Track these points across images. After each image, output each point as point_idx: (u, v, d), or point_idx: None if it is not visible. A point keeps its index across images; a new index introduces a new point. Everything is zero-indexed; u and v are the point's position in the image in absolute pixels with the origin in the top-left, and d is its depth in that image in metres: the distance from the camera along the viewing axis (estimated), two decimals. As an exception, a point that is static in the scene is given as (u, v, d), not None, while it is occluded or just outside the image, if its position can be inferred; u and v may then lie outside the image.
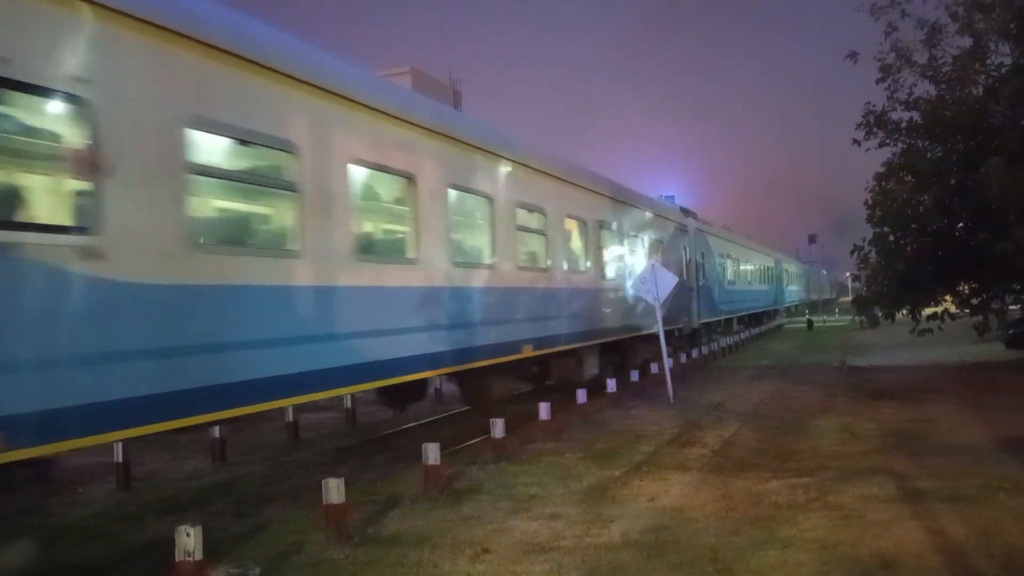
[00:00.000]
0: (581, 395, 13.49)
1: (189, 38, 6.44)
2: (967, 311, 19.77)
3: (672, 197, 27.07)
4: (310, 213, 7.68)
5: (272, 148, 7.38)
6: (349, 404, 15.03)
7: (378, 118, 8.88)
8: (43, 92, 5.41)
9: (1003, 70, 17.60)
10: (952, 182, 18.15)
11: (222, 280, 6.71)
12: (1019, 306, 22.67)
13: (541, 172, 13.34)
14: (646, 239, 19.25)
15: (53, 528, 7.98)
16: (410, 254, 9.49)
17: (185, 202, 6.35)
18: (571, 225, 14.76)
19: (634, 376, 16.80)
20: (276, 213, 8.09)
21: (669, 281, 15.70)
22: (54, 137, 5.80)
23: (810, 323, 45.86)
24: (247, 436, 13.24)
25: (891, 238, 19.21)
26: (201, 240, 6.68)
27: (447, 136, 10.29)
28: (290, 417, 13.45)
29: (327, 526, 6.99)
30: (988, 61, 18.10)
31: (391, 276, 9.11)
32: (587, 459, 10.12)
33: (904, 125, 19.20)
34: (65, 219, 5.74)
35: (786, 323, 50.59)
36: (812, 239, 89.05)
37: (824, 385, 17.32)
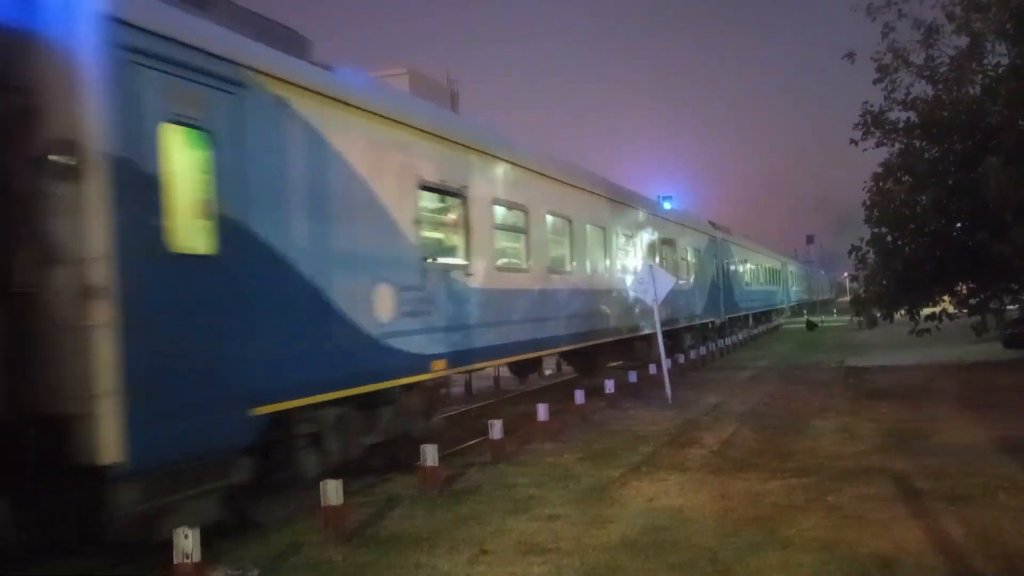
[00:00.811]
0: (579, 396, 13.48)
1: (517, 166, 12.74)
2: (965, 311, 19.80)
3: (670, 198, 27.07)
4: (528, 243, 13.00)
5: (515, 209, 12.55)
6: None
7: (514, 168, 12.56)
8: (457, 194, 10.62)
9: (1000, 70, 17.64)
10: (950, 182, 18.18)
11: (507, 286, 12.04)
12: (1017, 306, 22.71)
13: (630, 206, 18.94)
14: (692, 249, 25.23)
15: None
16: (524, 264, 12.97)
17: (494, 244, 11.71)
18: (651, 244, 20.28)
19: (632, 377, 16.79)
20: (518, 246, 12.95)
21: (667, 282, 15.69)
22: (456, 214, 10.74)
23: (810, 324, 43.75)
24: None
25: (889, 238, 19.24)
26: (499, 264, 11.87)
27: (550, 176, 14.04)
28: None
29: (326, 527, 6.98)
30: (985, 61, 18.17)
31: (549, 280, 13.83)
32: (586, 460, 10.11)
33: (901, 125, 19.24)
34: (459, 256, 10.64)
35: (784, 324, 50.57)
36: (810, 239, 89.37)
37: (823, 385, 17.32)
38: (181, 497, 6.06)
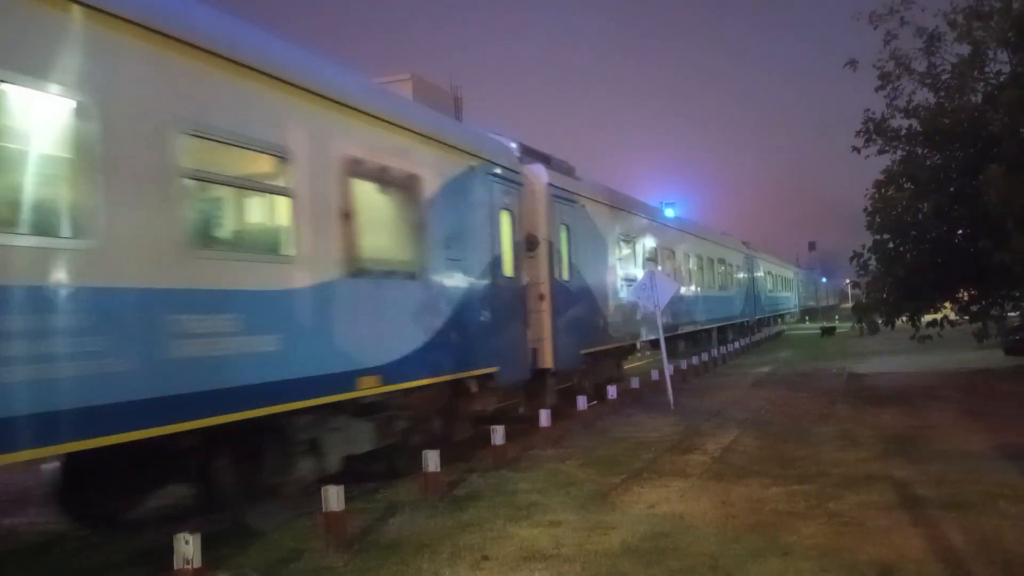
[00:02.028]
0: (581, 402, 13.50)
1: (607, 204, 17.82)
2: (967, 318, 19.78)
3: (672, 204, 27.35)
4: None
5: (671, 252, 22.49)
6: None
7: (673, 231, 21.64)
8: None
9: (1002, 78, 17.66)
10: (951, 189, 18.20)
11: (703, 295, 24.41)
12: (1018, 313, 22.68)
13: (709, 240, 29.03)
14: (735, 265, 33.54)
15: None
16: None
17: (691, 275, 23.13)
18: (711, 262, 28.50)
19: (634, 383, 16.81)
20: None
21: (669, 288, 15.73)
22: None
23: (825, 329, 44.00)
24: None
25: (891, 245, 19.25)
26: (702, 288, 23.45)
27: (698, 236, 24.61)
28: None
29: (327, 533, 6.98)
30: (987, 69, 18.18)
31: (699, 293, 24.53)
32: (587, 466, 10.12)
33: (903, 133, 19.26)
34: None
35: (787, 329, 50.67)
36: (812, 246, 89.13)
37: (824, 392, 17.32)
38: (569, 384, 14.22)
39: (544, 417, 11.79)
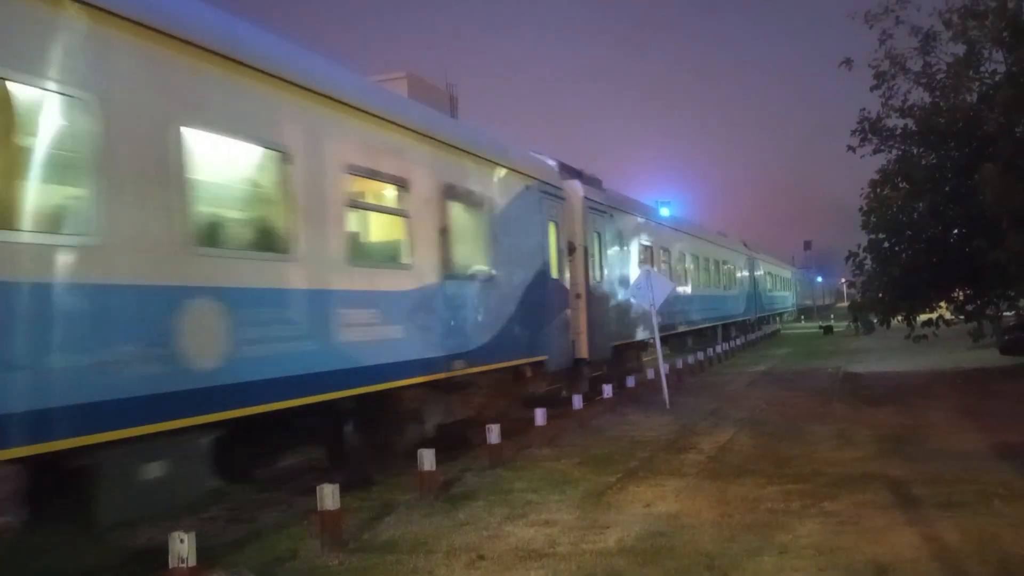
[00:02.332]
0: (577, 400, 13.48)
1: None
2: (962, 317, 19.82)
3: (668, 203, 27.40)
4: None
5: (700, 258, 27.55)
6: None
7: (705, 241, 28.30)
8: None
9: (997, 77, 17.70)
10: (947, 189, 18.24)
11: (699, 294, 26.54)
12: (1014, 312, 22.75)
13: (716, 244, 31.50)
14: (739, 267, 36.17)
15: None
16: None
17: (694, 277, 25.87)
18: (720, 263, 31.51)
19: (630, 382, 16.81)
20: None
21: (665, 287, 15.73)
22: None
23: (825, 328, 44.31)
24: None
25: (886, 244, 19.28)
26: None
27: (694, 235, 27.26)
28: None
29: (322, 532, 6.96)
30: (982, 68, 18.23)
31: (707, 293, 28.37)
32: (583, 465, 10.11)
33: (899, 132, 19.29)
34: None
35: (782, 329, 50.77)
36: (807, 245, 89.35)
37: (820, 391, 17.34)
38: (600, 372, 15.77)
39: (539, 416, 11.79)
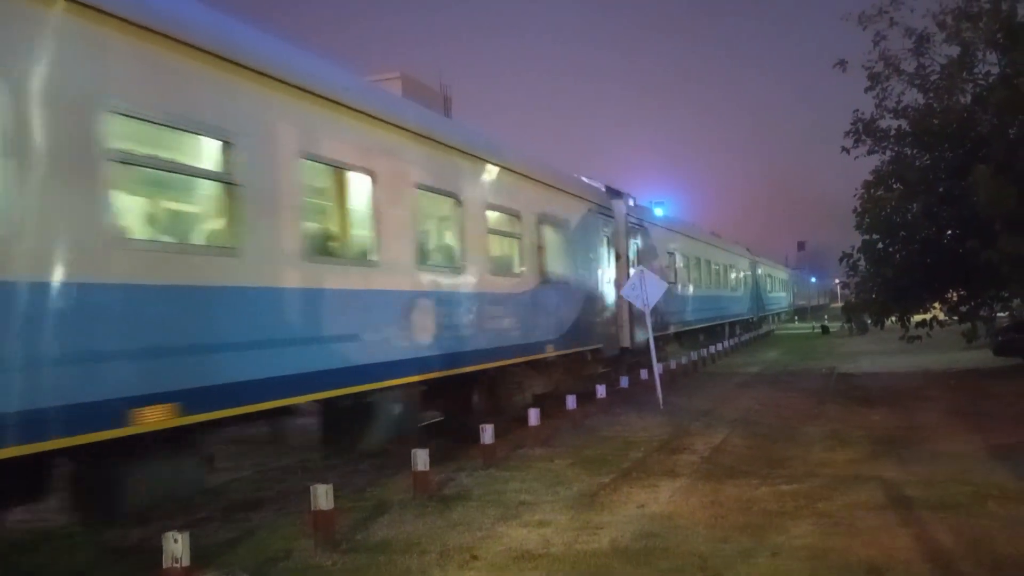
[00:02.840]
0: (571, 401, 13.47)
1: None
2: (956, 318, 19.88)
3: (662, 204, 27.35)
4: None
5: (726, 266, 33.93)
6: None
7: (734, 256, 36.62)
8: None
9: (990, 79, 17.77)
10: (940, 190, 18.30)
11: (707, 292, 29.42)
12: (1007, 314, 22.80)
13: (727, 250, 35.42)
14: (744, 270, 39.83)
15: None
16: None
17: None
18: (729, 269, 35.20)
19: (623, 382, 16.81)
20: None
21: (659, 287, 15.72)
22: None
23: (824, 328, 44.64)
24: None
25: (880, 245, 19.33)
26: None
27: (708, 243, 31.50)
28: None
29: (315, 532, 6.94)
30: (975, 70, 18.31)
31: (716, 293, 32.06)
32: (576, 465, 10.10)
33: (892, 133, 19.35)
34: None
35: (776, 329, 50.91)
36: (801, 246, 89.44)
37: (813, 392, 17.37)
38: (637, 360, 18.38)
39: (533, 416, 11.78)
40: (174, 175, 6.76)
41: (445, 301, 10.25)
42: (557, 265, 14.22)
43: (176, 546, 5.46)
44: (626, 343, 18.17)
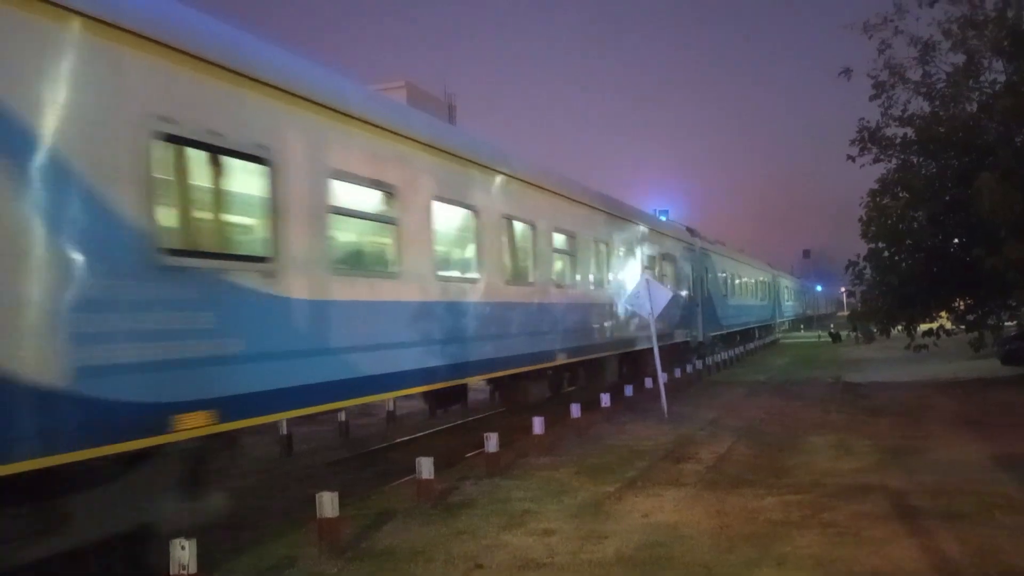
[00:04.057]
0: (575, 409, 13.46)
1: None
2: (962, 327, 19.82)
3: (666, 211, 27.64)
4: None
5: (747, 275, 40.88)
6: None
7: (758, 270, 44.67)
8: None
9: (996, 87, 17.75)
10: (946, 198, 18.27)
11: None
12: (1015, 322, 22.73)
13: (755, 267, 43.48)
14: (766, 283, 47.43)
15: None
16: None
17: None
18: (759, 282, 43.53)
19: (628, 391, 16.78)
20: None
21: (663, 296, 15.71)
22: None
23: (834, 336, 43.84)
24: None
25: (886, 254, 19.29)
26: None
27: (746, 263, 40.73)
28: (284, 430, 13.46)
29: (320, 540, 6.96)
30: (981, 78, 18.28)
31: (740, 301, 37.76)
32: (581, 474, 10.09)
33: (898, 141, 19.32)
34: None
35: (781, 338, 50.81)
36: (806, 254, 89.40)
37: (819, 401, 17.31)
38: (708, 346, 27.23)
39: (537, 425, 11.77)
40: (363, 220, 9.07)
41: (585, 310, 15.60)
42: (673, 281, 22.04)
43: (183, 553, 5.48)
44: (699, 339, 25.82)
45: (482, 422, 15.38)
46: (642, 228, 19.38)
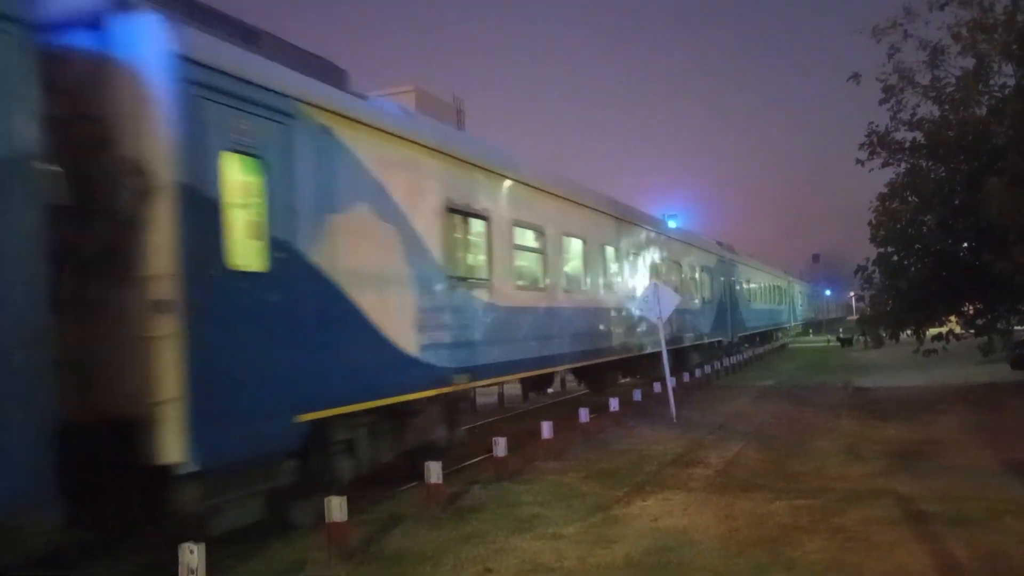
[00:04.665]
0: (583, 414, 13.47)
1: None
2: (972, 331, 19.72)
3: (675, 216, 27.77)
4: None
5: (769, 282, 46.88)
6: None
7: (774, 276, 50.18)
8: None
9: (1006, 91, 17.66)
10: (955, 202, 18.18)
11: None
12: (1024, 326, 22.58)
13: (777, 275, 51.75)
14: (784, 289, 52.90)
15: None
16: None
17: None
18: (781, 289, 51.60)
19: (637, 395, 16.77)
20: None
21: (672, 300, 15.71)
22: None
23: (844, 340, 43.03)
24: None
25: (895, 258, 19.21)
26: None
27: (771, 272, 48.58)
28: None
29: (329, 544, 6.97)
30: (991, 82, 18.18)
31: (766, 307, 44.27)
32: (590, 479, 10.09)
33: (907, 145, 19.24)
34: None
35: (790, 342, 50.69)
36: (816, 258, 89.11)
37: (828, 406, 17.27)
38: (736, 345, 32.28)
39: (546, 429, 11.78)
40: (528, 251, 12.89)
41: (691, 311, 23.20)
42: (709, 291, 26.71)
43: (192, 557, 5.51)
44: (731, 338, 29.93)
45: (568, 401, 19.32)
46: (695, 248, 25.37)
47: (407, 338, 9.09)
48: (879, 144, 19.27)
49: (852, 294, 77.02)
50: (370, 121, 8.76)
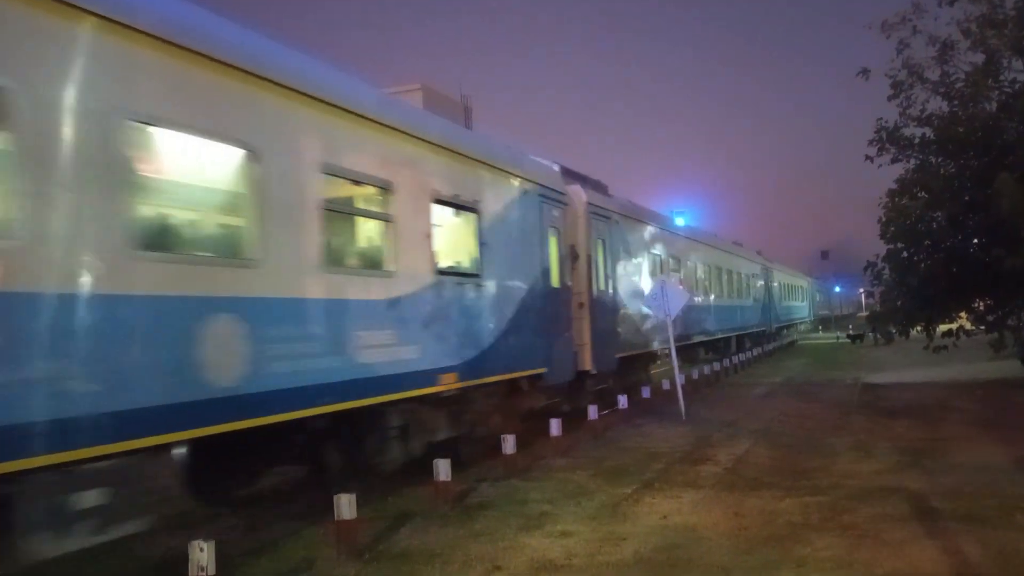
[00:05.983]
0: (592, 411, 13.45)
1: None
2: (982, 328, 19.63)
3: (683, 214, 27.71)
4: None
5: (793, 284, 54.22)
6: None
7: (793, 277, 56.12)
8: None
9: (1016, 86, 17.57)
10: (966, 198, 18.09)
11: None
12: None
13: (796, 275, 57.79)
14: (804, 288, 60.71)
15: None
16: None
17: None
18: (797, 288, 55.97)
19: (645, 393, 16.76)
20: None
21: (680, 298, 15.68)
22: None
23: (853, 337, 42.41)
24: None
25: (905, 254, 19.14)
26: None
27: (790, 272, 54.59)
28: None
29: (338, 542, 6.99)
30: (1001, 77, 18.08)
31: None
32: (598, 476, 10.09)
33: (917, 141, 19.15)
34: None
35: (799, 340, 50.59)
36: (824, 255, 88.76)
37: (838, 403, 17.21)
38: (774, 333, 40.73)
39: (554, 427, 11.77)
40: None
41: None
42: (758, 292, 32.09)
43: (202, 555, 5.52)
44: (769, 327, 35.34)
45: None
46: (746, 260, 31.83)
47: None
48: (888, 140, 19.19)
49: (861, 290, 77.04)
50: (619, 209, 16.98)
